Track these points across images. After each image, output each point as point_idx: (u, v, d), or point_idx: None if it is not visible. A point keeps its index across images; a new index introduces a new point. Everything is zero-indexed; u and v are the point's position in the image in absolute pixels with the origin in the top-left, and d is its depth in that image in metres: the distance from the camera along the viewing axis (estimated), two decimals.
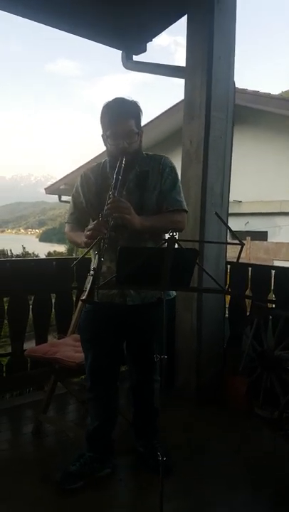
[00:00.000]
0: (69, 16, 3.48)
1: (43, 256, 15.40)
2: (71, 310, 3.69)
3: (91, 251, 2.21)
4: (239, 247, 1.70)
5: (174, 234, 1.64)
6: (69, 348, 2.80)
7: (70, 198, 2.47)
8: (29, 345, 3.31)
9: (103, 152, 2.41)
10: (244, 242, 1.68)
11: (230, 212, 3.62)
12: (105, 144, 2.24)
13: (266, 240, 12.21)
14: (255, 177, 11.55)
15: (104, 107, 2.17)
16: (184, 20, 3.38)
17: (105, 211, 2.02)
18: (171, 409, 3.15)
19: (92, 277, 1.92)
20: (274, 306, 3.42)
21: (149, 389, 2.49)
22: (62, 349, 2.79)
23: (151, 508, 1.94)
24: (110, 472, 2.42)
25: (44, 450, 2.74)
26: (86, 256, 2.18)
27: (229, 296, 3.77)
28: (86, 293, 1.89)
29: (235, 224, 11.74)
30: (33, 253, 16.42)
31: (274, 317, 3.37)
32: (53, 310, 3.74)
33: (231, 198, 3.57)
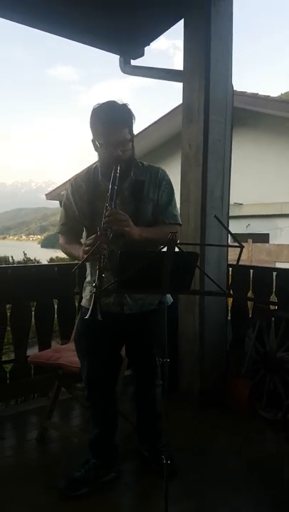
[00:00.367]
0: (67, 22, 3.51)
1: (44, 262, 15.41)
2: (73, 315, 3.70)
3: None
4: (240, 249, 1.70)
5: (174, 237, 1.64)
6: (72, 354, 2.79)
7: (62, 207, 2.40)
8: (32, 352, 3.30)
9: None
10: (245, 244, 1.68)
11: (231, 214, 3.62)
12: (96, 150, 2.17)
13: (268, 242, 12.20)
14: (256, 179, 11.56)
15: (95, 113, 2.08)
16: (182, 24, 3.39)
17: (103, 224, 1.98)
18: (174, 412, 3.14)
19: (93, 294, 1.92)
20: (276, 307, 3.42)
21: (151, 393, 2.49)
22: (65, 355, 2.79)
23: (157, 511, 1.93)
24: (115, 476, 2.42)
25: (49, 456, 2.74)
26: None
27: (231, 299, 3.77)
28: (89, 311, 1.90)
29: (236, 226, 11.75)
30: (34, 259, 16.41)
31: (276, 319, 3.37)
32: (56, 316, 3.74)
33: (232, 201, 3.58)
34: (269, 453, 2.80)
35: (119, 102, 2.11)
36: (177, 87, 3.51)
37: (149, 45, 3.96)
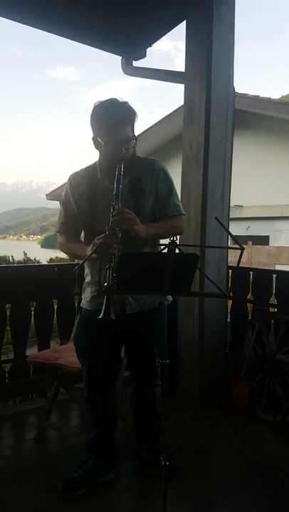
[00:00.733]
0: (69, 23, 3.52)
1: (44, 262, 15.41)
2: (73, 315, 3.70)
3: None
4: (240, 251, 1.70)
5: (175, 239, 1.64)
6: (71, 354, 2.79)
7: (60, 205, 2.34)
8: (31, 352, 3.31)
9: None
10: (245, 246, 1.68)
11: (231, 216, 3.62)
12: (98, 148, 2.16)
13: (268, 244, 12.21)
14: (256, 181, 11.56)
15: (98, 111, 2.08)
16: (184, 26, 3.39)
17: (111, 224, 1.97)
18: (174, 413, 3.14)
19: (105, 295, 1.90)
20: (276, 310, 3.42)
21: (151, 393, 2.48)
22: (64, 355, 2.78)
23: None
24: (114, 477, 2.42)
25: (47, 456, 2.74)
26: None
27: (231, 301, 3.77)
28: (103, 310, 1.89)
29: (236, 228, 11.75)
30: (34, 259, 16.41)
31: (276, 321, 3.37)
32: (55, 316, 3.74)
33: (232, 203, 3.57)
34: (268, 454, 2.80)
35: (120, 100, 2.10)
36: (178, 88, 3.51)
37: (151, 46, 3.97)
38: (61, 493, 2.27)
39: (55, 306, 3.75)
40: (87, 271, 2.34)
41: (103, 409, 2.38)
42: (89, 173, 2.25)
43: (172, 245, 1.63)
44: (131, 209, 2.07)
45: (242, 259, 1.73)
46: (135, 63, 4.01)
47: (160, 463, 1.83)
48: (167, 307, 2.13)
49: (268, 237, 12.24)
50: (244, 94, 10.68)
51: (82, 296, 2.37)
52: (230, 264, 3.53)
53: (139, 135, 2.29)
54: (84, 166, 2.31)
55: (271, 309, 3.43)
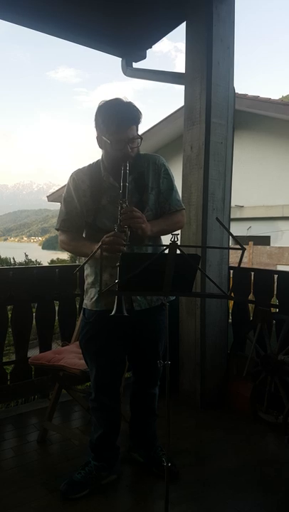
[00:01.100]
0: (69, 25, 3.53)
1: (45, 263, 15.42)
2: (75, 317, 3.71)
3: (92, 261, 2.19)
4: (242, 252, 1.70)
5: (176, 240, 1.64)
6: (73, 355, 2.80)
7: (62, 202, 2.31)
8: (33, 353, 3.31)
9: None
10: (246, 247, 1.69)
11: (232, 217, 3.63)
12: (101, 147, 2.18)
13: (269, 244, 12.22)
14: (257, 181, 11.58)
15: (103, 110, 2.08)
16: (184, 27, 3.40)
17: (120, 222, 1.99)
18: (175, 414, 3.15)
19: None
20: (277, 310, 3.42)
21: (150, 396, 2.50)
22: (66, 356, 2.79)
23: None
24: (116, 478, 2.42)
25: (49, 458, 2.74)
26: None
27: (232, 302, 3.77)
28: (115, 307, 1.90)
29: (237, 229, 11.77)
30: (36, 261, 16.43)
31: (277, 321, 3.37)
32: (57, 317, 3.74)
33: (233, 203, 3.58)
34: (270, 455, 2.80)
35: (125, 100, 2.12)
36: (179, 89, 3.52)
37: (151, 47, 3.98)
38: (63, 495, 2.27)
39: (57, 308, 3.76)
40: (89, 271, 2.33)
41: (109, 409, 2.38)
42: (92, 170, 2.25)
43: (173, 246, 1.64)
44: (136, 204, 2.11)
45: (243, 260, 1.74)
46: (135, 65, 4.02)
47: (162, 464, 1.83)
48: (168, 308, 2.13)
49: (269, 237, 12.25)
50: (244, 94, 10.70)
51: (86, 297, 2.35)
52: (231, 265, 3.54)
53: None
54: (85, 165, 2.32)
55: (273, 310, 3.43)
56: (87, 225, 2.25)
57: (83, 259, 2.44)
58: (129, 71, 4.00)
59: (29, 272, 3.68)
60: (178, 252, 1.65)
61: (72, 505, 2.23)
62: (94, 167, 2.26)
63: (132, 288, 1.78)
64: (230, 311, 3.74)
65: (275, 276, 3.45)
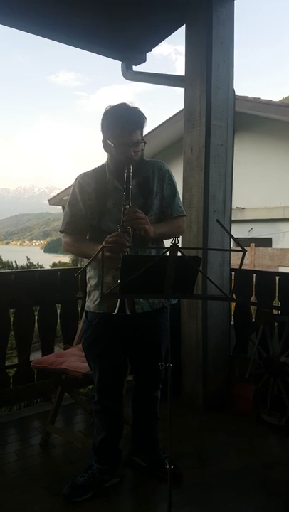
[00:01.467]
0: (69, 29, 3.53)
1: (47, 267, 15.43)
2: (76, 320, 3.71)
3: (93, 261, 2.20)
4: (243, 253, 1.70)
5: (177, 242, 1.65)
6: (75, 358, 2.80)
7: (67, 205, 2.35)
8: (35, 356, 3.31)
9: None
10: (248, 248, 1.69)
11: (233, 219, 3.63)
12: (107, 151, 2.22)
13: (270, 246, 12.21)
14: (258, 183, 11.59)
15: (109, 115, 2.13)
16: (183, 29, 3.41)
17: (123, 223, 2.01)
18: (177, 417, 3.15)
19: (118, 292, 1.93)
20: (279, 312, 3.42)
21: (153, 397, 2.50)
22: (68, 359, 2.79)
23: None
24: (118, 481, 2.42)
25: (52, 461, 2.74)
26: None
27: (234, 303, 3.77)
28: (117, 306, 1.91)
29: (238, 231, 11.77)
30: (37, 264, 16.46)
31: (279, 323, 3.37)
32: (59, 320, 3.74)
33: (234, 205, 3.58)
34: (273, 457, 2.79)
35: (131, 105, 2.17)
36: (179, 92, 3.53)
37: (150, 50, 3.99)
38: (66, 498, 2.27)
39: (59, 311, 3.76)
40: (92, 273, 2.33)
41: (112, 412, 2.38)
42: (97, 173, 2.29)
43: (174, 248, 1.64)
44: (139, 208, 2.13)
45: (245, 262, 1.74)
46: (135, 68, 4.02)
47: (165, 467, 1.82)
48: (170, 310, 2.13)
49: (270, 239, 12.25)
50: (244, 96, 10.71)
51: (88, 300, 2.35)
52: (232, 267, 3.54)
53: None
54: (89, 169, 2.34)
55: (275, 311, 3.43)
56: (92, 228, 2.26)
57: (85, 262, 2.44)
58: (129, 74, 4.01)
59: (31, 275, 3.69)
60: (179, 254, 1.66)
61: (75, 508, 2.23)
62: (99, 170, 2.30)
63: (134, 290, 1.78)
64: (232, 313, 3.73)
65: (277, 277, 3.46)
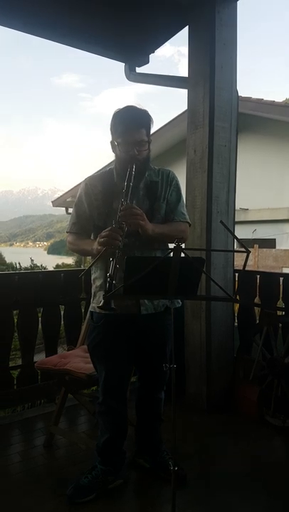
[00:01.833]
0: (72, 31, 3.55)
1: (51, 268, 15.46)
2: (80, 321, 3.71)
3: (98, 262, 2.21)
4: (246, 254, 1.70)
5: (180, 243, 1.65)
6: (79, 360, 2.80)
7: (73, 206, 2.43)
8: (39, 358, 3.31)
9: (108, 164, 2.42)
10: (252, 250, 1.69)
11: (237, 220, 3.62)
12: (114, 151, 2.25)
13: (274, 247, 12.18)
14: (262, 184, 11.56)
15: (116, 115, 2.19)
16: (186, 31, 3.41)
17: (118, 218, 2.05)
18: (181, 418, 3.14)
19: (108, 284, 1.94)
20: (283, 313, 3.41)
21: (157, 399, 2.50)
22: (72, 360, 2.79)
23: None
24: (122, 483, 2.42)
25: (56, 462, 2.74)
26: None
27: (238, 305, 3.76)
28: (102, 302, 1.94)
29: (242, 232, 11.75)
30: (41, 265, 16.51)
31: (283, 324, 3.36)
32: (62, 322, 3.75)
33: (238, 206, 3.58)
34: (278, 459, 2.78)
35: (139, 107, 2.23)
36: (182, 93, 3.54)
37: (153, 52, 3.99)
38: (70, 499, 2.27)
39: (62, 312, 3.76)
40: (98, 274, 2.34)
41: (116, 412, 2.38)
42: (105, 176, 2.34)
43: (178, 249, 1.64)
44: (145, 211, 2.16)
45: (249, 263, 1.74)
46: (138, 69, 4.03)
47: (169, 468, 1.82)
48: (174, 311, 2.13)
49: (274, 240, 12.22)
50: (248, 97, 10.69)
51: (94, 301, 2.36)
52: (236, 268, 3.53)
53: None
54: (90, 173, 2.40)
55: (279, 312, 3.42)
56: (97, 228, 2.28)
57: (88, 263, 2.46)
58: (132, 76, 4.02)
59: (35, 276, 3.70)
60: (182, 255, 1.66)
61: (79, 509, 2.23)
62: (107, 173, 2.35)
63: (137, 291, 1.79)
64: (236, 315, 3.73)
65: (281, 279, 3.45)
